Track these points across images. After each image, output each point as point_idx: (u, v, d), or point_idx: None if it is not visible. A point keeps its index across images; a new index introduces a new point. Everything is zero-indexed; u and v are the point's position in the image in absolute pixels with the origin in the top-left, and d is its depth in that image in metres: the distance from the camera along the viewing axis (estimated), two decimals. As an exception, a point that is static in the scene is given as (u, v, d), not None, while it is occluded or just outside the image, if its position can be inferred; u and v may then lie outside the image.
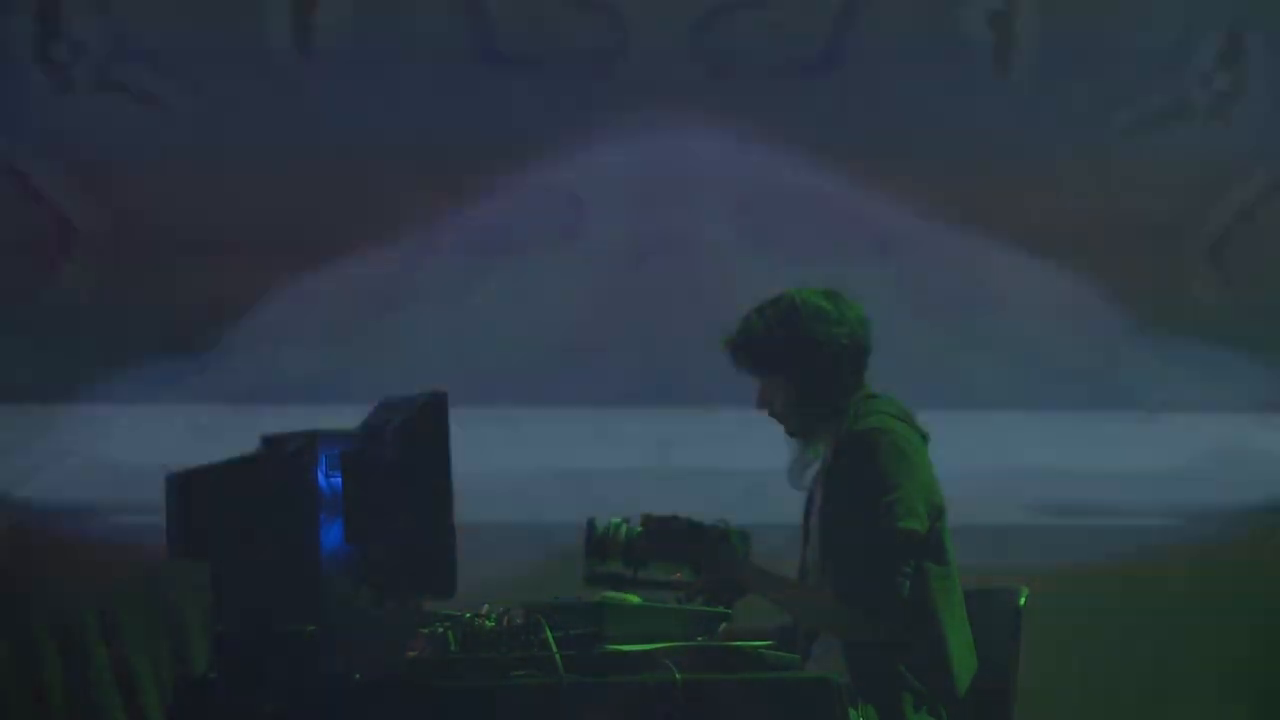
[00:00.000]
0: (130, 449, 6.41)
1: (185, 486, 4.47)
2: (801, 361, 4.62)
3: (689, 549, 4.64)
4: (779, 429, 4.71)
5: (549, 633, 4.06)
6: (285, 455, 4.29)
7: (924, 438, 4.62)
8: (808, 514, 4.75)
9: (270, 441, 4.43)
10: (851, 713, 4.09)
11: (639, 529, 4.66)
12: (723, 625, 4.44)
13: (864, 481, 4.49)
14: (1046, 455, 6.44)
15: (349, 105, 6.56)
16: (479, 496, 6.16)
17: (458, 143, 6.55)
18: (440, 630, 4.16)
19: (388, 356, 6.49)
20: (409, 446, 4.11)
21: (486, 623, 4.16)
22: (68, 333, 6.56)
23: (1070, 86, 6.76)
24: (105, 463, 6.44)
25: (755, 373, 4.69)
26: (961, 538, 4.61)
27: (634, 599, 4.51)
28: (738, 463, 6.00)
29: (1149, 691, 6.32)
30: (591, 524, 4.68)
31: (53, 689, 5.11)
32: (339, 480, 4.22)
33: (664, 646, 4.11)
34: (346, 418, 4.32)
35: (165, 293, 6.50)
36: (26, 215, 6.64)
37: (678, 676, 3.99)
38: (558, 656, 4.00)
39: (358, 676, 4.08)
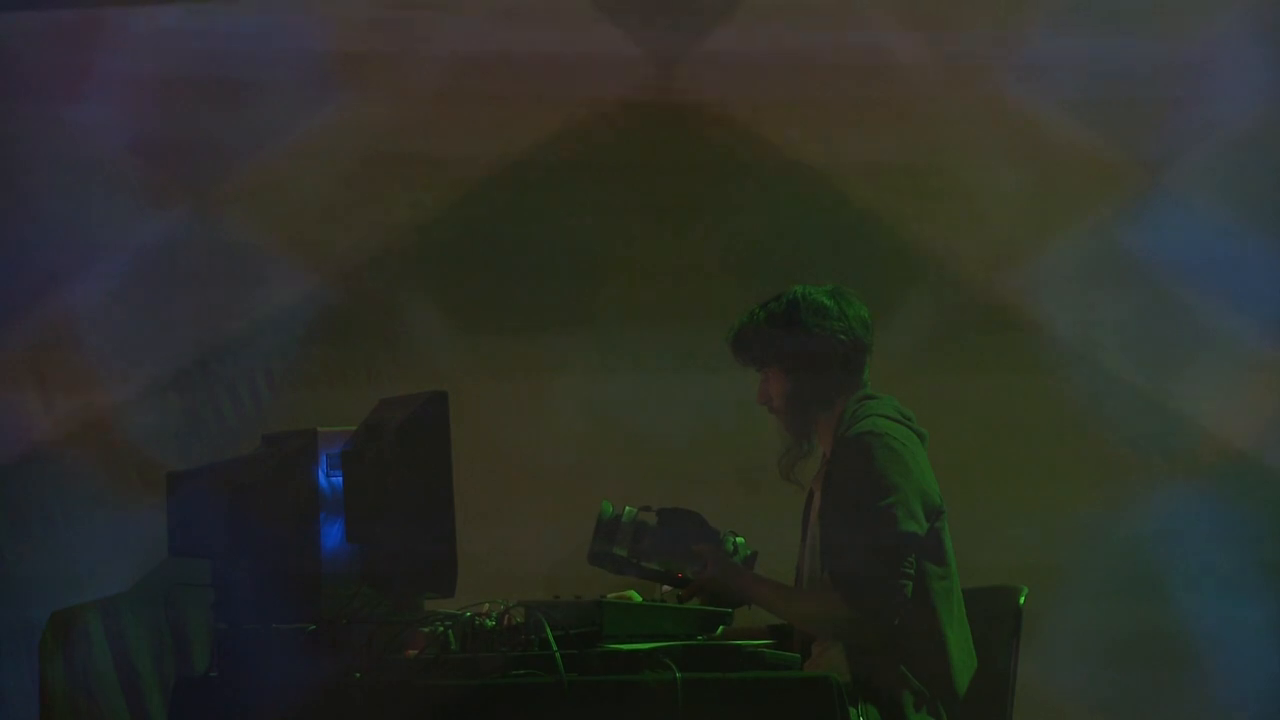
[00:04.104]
0: None
1: (187, 485, 4.48)
2: (799, 355, 4.64)
3: (698, 547, 4.65)
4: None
5: (549, 632, 4.06)
6: (285, 455, 4.30)
7: (921, 438, 4.63)
8: (806, 513, 4.76)
9: (270, 441, 4.44)
10: (851, 712, 4.09)
11: (652, 519, 4.68)
12: (721, 627, 4.45)
13: (861, 485, 4.49)
14: None
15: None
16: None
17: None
18: (440, 629, 4.16)
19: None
20: (409, 446, 4.11)
21: (487, 622, 4.17)
22: None
23: None
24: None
25: (755, 365, 4.71)
26: (961, 537, 4.62)
27: (635, 597, 4.53)
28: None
29: (1149, 691, 6.32)
30: (604, 506, 4.69)
31: (54, 686, 5.10)
32: (339, 480, 4.23)
33: (664, 646, 4.11)
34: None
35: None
36: None
37: (678, 676, 3.99)
38: (558, 656, 4.01)
39: (358, 676, 4.08)
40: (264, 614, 4.26)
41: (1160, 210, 6.44)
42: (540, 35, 6.58)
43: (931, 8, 6.51)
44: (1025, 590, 4.71)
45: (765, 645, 4.40)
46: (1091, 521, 6.39)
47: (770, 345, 4.67)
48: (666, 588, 4.70)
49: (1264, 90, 6.45)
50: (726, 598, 4.57)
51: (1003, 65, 6.47)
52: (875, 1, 6.55)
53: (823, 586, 4.55)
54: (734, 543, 4.70)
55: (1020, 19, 6.48)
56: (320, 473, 4.22)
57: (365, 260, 6.54)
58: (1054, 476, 6.40)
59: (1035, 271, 6.46)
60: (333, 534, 4.21)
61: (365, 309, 6.54)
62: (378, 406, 4.33)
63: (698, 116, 6.54)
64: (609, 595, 4.45)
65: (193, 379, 6.56)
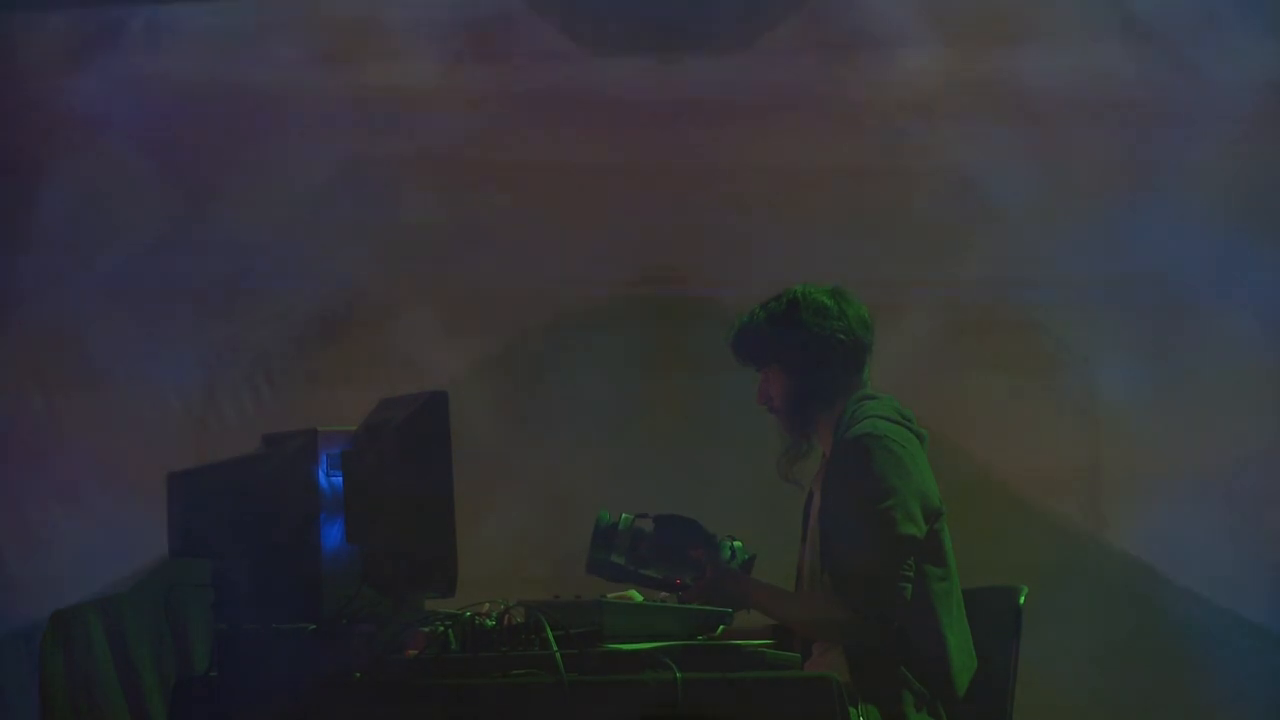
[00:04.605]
0: None
1: (187, 485, 4.48)
2: (798, 354, 4.64)
3: (695, 553, 4.65)
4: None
5: (549, 632, 4.06)
6: (285, 455, 4.30)
7: (921, 438, 4.62)
8: (806, 513, 4.76)
9: (271, 441, 4.44)
10: (852, 712, 4.09)
11: (649, 527, 4.67)
12: (721, 627, 4.45)
13: (860, 488, 4.49)
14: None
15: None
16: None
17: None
18: (441, 629, 4.16)
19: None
20: (409, 446, 4.11)
21: (487, 622, 4.17)
22: None
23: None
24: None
25: (755, 365, 4.71)
26: (962, 537, 4.62)
27: (636, 597, 4.53)
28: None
29: (1149, 691, 6.32)
30: (601, 514, 4.69)
31: (54, 686, 5.10)
32: (339, 480, 4.23)
33: (664, 646, 4.11)
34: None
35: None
36: None
37: (678, 676, 3.99)
38: (558, 656, 4.01)
39: (358, 676, 4.08)
40: (264, 614, 4.26)
41: (1162, 211, 6.44)
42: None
43: (938, 8, 6.51)
44: (1025, 590, 4.70)
45: (765, 645, 4.40)
46: (1092, 522, 6.38)
47: (770, 345, 4.67)
48: (665, 593, 4.70)
49: (1264, 90, 6.45)
50: (725, 603, 4.56)
51: (1006, 66, 6.47)
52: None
53: (822, 589, 4.55)
54: (731, 547, 4.70)
55: (1023, 21, 6.48)
56: (320, 473, 4.22)
57: (365, 260, 6.54)
58: (1054, 477, 6.40)
59: (1036, 272, 6.46)
60: (333, 534, 4.21)
61: (365, 309, 6.54)
62: (378, 406, 4.33)
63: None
64: (609, 595, 4.45)
65: (193, 379, 6.56)
